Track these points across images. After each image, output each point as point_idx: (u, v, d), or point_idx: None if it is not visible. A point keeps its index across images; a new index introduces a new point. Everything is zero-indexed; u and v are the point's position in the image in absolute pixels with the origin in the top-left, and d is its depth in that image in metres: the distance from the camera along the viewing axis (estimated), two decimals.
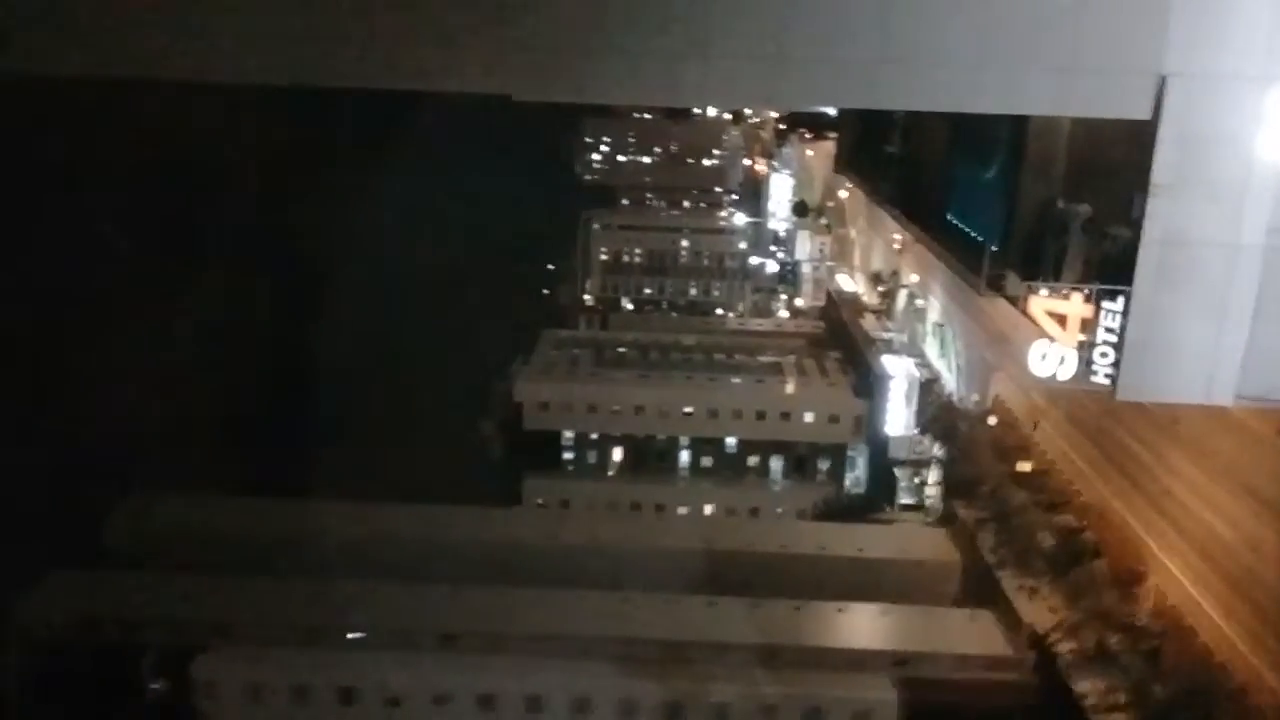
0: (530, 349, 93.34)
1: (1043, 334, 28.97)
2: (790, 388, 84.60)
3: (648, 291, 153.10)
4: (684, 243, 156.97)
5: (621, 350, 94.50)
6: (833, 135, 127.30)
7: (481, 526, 66.47)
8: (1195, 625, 43.45)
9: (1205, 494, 43.23)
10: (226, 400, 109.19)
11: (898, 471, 76.47)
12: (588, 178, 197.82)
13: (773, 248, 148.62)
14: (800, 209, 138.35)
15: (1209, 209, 26.78)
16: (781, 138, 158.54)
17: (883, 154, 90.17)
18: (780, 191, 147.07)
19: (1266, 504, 39.24)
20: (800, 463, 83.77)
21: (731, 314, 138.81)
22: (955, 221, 63.45)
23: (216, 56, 26.01)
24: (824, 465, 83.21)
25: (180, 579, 58.23)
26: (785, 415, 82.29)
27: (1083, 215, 41.01)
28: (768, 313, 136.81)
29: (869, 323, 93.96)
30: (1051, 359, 29.11)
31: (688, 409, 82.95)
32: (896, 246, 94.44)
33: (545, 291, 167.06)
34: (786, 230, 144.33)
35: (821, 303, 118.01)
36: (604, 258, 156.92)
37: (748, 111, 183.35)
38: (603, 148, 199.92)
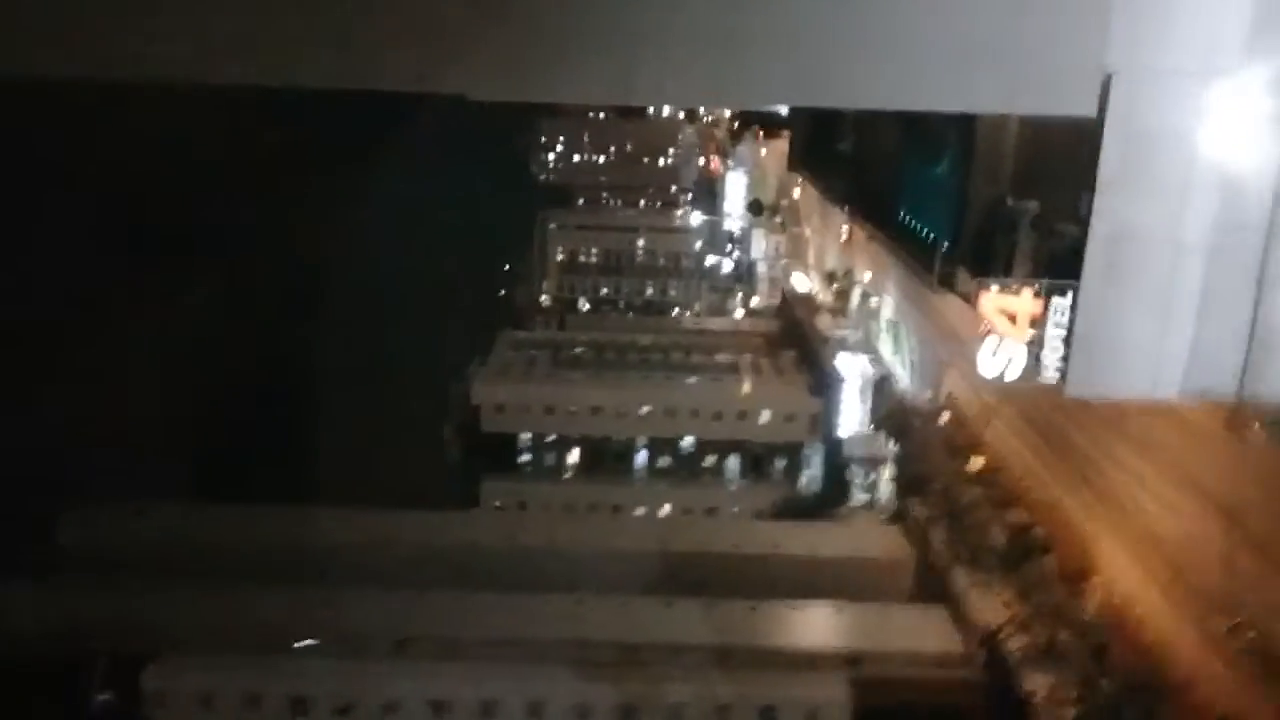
0: (488, 350, 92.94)
1: (993, 330, 29.09)
2: (747, 387, 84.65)
3: (604, 291, 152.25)
4: (640, 242, 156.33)
5: (578, 351, 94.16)
6: (786, 133, 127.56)
7: (439, 530, 65.78)
8: (1142, 619, 43.86)
9: (1152, 488, 43.64)
10: (179, 405, 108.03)
11: (852, 469, 76.70)
12: (544, 178, 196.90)
13: (728, 247, 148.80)
14: (755, 208, 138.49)
15: (1154, 205, 26.97)
16: (736, 136, 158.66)
17: (834, 152, 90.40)
18: (735, 190, 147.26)
19: (1211, 498, 39.65)
20: (757, 462, 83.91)
21: (688, 313, 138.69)
22: (907, 219, 63.64)
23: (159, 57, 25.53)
24: (780, 464, 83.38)
25: (129, 587, 56.92)
26: (742, 414, 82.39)
27: (1031, 212, 41.18)
28: (724, 312, 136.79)
29: (824, 321, 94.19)
30: (1001, 356, 29.25)
31: (645, 409, 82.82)
32: (843, 239, 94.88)
33: (502, 292, 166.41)
34: (742, 229, 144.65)
35: (777, 301, 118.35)
36: (560, 258, 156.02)
37: (702, 110, 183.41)
38: (558, 147, 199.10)
